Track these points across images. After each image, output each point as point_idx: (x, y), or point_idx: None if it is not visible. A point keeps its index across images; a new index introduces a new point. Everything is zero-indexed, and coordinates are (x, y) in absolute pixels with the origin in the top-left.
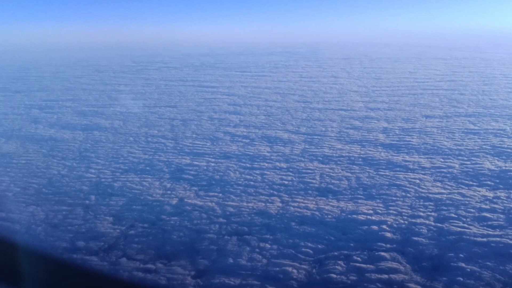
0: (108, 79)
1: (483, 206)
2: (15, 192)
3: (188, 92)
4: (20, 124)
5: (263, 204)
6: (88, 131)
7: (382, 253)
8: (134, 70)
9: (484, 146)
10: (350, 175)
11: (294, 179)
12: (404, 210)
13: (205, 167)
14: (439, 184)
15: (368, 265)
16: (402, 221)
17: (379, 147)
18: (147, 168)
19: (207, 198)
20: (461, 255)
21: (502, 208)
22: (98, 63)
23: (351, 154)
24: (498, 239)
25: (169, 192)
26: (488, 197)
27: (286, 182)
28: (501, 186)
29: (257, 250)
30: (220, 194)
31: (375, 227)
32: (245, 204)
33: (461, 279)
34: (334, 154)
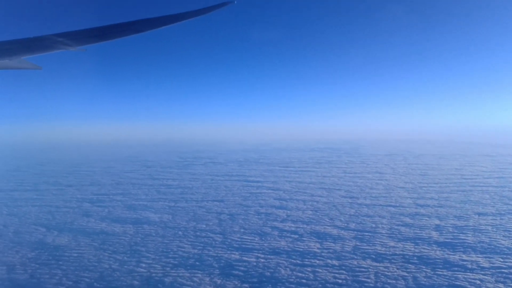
0: (156, 174)
1: None
2: (67, 286)
3: (234, 186)
4: (72, 217)
5: None
6: (138, 224)
7: None
8: (181, 165)
9: None
10: (406, 274)
11: (347, 277)
12: None
13: (254, 263)
14: (501, 285)
15: None
16: None
17: (433, 245)
18: (197, 263)
19: None
20: None
21: None
22: (146, 158)
23: (405, 252)
24: None
25: None
26: None
27: (339, 281)
28: None
29: None
30: None
31: None
32: None
33: None
34: (387, 252)
